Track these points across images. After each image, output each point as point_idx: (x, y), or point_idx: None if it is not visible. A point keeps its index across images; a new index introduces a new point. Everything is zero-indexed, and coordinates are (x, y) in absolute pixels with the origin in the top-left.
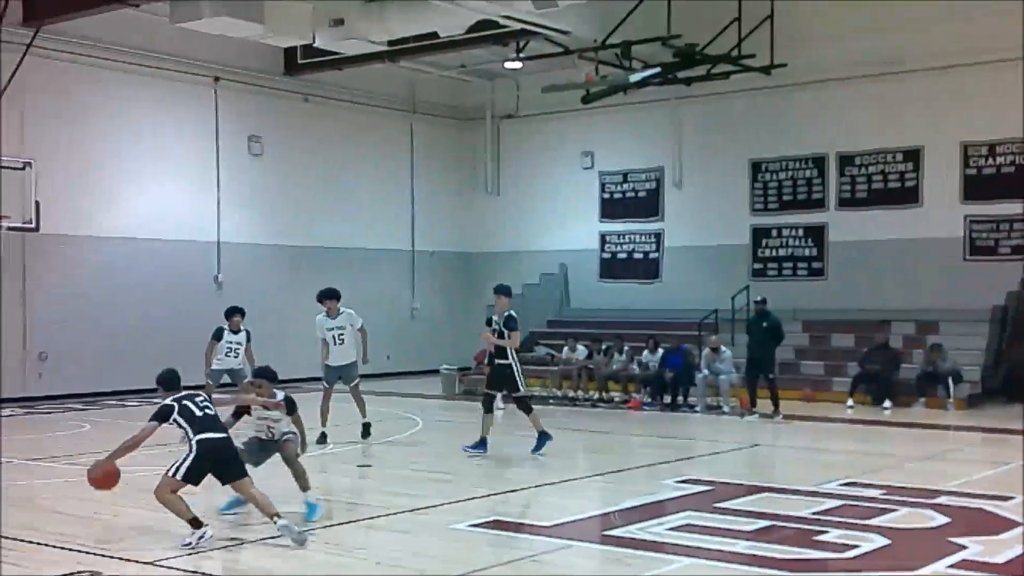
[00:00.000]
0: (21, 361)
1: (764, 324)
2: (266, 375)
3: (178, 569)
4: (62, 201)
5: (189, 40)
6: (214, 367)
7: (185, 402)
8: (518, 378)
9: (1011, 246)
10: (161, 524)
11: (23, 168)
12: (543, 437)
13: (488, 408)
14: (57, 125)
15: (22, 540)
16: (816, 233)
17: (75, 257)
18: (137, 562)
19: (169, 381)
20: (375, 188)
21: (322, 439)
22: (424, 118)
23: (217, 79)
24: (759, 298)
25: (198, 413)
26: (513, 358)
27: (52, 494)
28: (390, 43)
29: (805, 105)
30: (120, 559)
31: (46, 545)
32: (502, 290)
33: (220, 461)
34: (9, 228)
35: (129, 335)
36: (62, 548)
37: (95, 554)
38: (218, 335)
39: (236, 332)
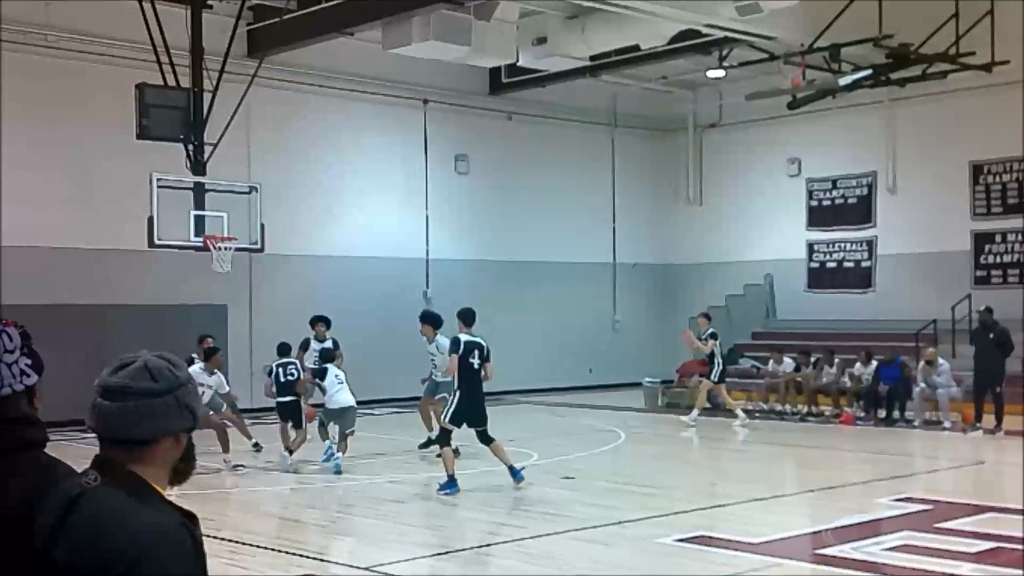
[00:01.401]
0: (248, 374)
1: (990, 335)
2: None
3: (389, 575)
4: (283, 222)
5: (400, 64)
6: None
7: (278, 368)
8: (447, 407)
9: None
10: (377, 531)
11: (249, 192)
12: (451, 482)
13: (444, 442)
14: (278, 150)
15: (244, 543)
16: None
17: (296, 276)
18: (351, 566)
19: (280, 348)
20: (577, 202)
21: (428, 444)
22: (625, 130)
23: (426, 101)
24: (984, 307)
25: (281, 379)
26: (455, 387)
27: (274, 500)
28: (591, 58)
29: None
30: (335, 563)
31: (266, 548)
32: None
33: (284, 415)
34: (237, 249)
35: (345, 350)
36: (280, 551)
37: (311, 557)
38: (305, 345)
39: (322, 341)
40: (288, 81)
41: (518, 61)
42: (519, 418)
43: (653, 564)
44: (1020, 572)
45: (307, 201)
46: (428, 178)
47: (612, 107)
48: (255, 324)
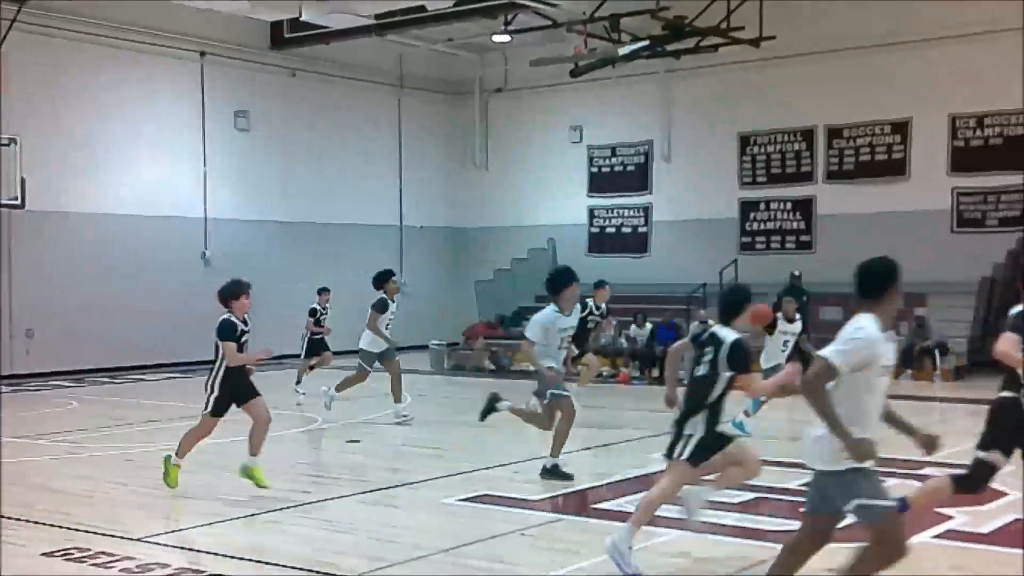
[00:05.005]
0: (6, 338)
1: (805, 298)
2: None
3: (166, 545)
4: (48, 178)
5: (176, 15)
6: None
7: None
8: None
9: (998, 218)
10: (155, 500)
11: (8, 144)
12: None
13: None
14: (42, 101)
15: (15, 518)
16: (804, 206)
17: (61, 234)
18: (127, 539)
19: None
20: (363, 163)
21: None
22: (412, 92)
23: (203, 54)
24: (797, 272)
25: None
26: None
27: (43, 472)
28: (377, 16)
29: (794, 78)
30: (110, 536)
31: (38, 523)
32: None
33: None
34: None
35: (116, 312)
36: (53, 526)
37: (85, 531)
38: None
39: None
40: (54, 28)
41: (301, 16)
42: (305, 381)
43: (439, 523)
44: (777, 520)
45: (73, 156)
46: (206, 134)
47: (399, 68)
48: (16, 285)
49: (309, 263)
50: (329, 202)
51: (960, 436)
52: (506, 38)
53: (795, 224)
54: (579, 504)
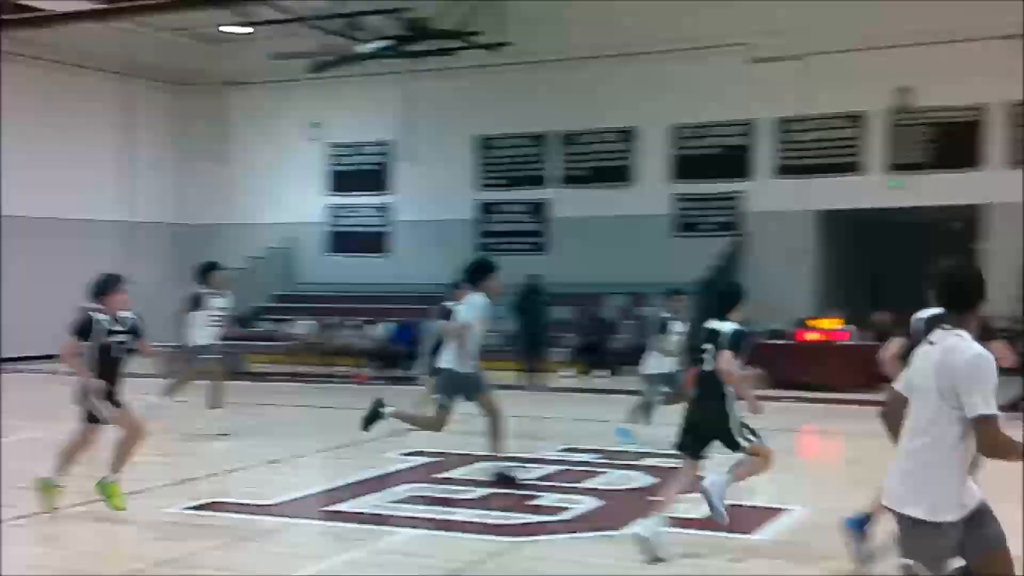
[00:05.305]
0: None
1: (543, 299)
2: None
3: None
4: None
5: None
6: None
7: None
8: None
9: (715, 223)
10: None
11: None
12: None
13: None
14: None
15: None
16: (539, 209)
17: None
18: None
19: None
20: (90, 156)
21: None
22: (140, 82)
23: None
24: (535, 273)
25: None
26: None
27: None
28: (101, 1)
29: (530, 84)
30: None
31: None
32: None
33: None
34: None
35: None
36: None
37: None
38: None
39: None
40: None
41: None
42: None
43: (160, 535)
44: (507, 514)
45: None
46: None
47: (130, 57)
48: None
49: (26, 261)
50: (52, 197)
51: (669, 428)
52: (245, 29)
53: (531, 226)
54: (312, 507)
